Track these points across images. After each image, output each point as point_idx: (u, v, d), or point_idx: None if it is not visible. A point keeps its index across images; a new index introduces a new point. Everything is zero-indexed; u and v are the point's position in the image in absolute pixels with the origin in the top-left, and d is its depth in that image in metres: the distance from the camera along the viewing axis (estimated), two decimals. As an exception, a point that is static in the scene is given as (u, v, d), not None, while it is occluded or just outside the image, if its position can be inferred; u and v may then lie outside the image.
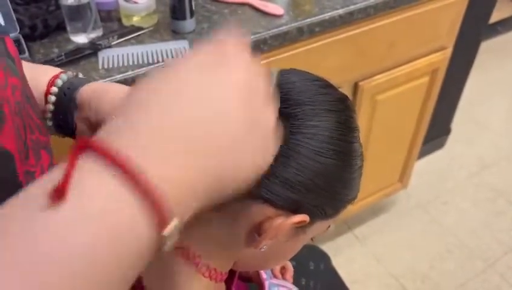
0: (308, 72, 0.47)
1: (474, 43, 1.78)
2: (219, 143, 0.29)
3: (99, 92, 0.53)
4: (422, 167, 2.01)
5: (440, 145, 2.14)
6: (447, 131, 2.11)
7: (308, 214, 0.43)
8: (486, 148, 2.18)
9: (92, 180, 0.24)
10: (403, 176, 1.71)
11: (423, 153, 2.04)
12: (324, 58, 1.10)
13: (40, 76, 0.55)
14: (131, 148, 0.25)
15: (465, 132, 2.22)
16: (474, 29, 1.69)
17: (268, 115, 0.34)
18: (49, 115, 0.55)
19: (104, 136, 0.27)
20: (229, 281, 0.54)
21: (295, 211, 0.42)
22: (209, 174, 0.28)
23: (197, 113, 0.28)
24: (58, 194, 0.23)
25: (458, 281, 1.67)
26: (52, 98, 0.54)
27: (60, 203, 0.23)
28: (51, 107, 0.54)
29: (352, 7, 1.05)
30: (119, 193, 0.24)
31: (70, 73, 0.56)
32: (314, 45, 1.06)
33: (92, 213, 0.23)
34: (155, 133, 0.27)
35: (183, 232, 0.29)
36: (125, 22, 0.97)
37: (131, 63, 0.87)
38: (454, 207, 1.92)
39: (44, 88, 0.54)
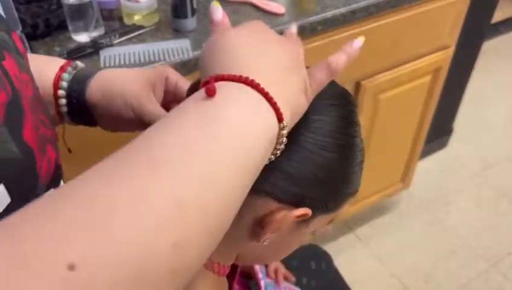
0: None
1: (476, 42, 1.77)
2: (290, 76, 0.38)
3: (108, 96, 0.53)
4: (425, 166, 2.00)
5: (442, 145, 2.14)
6: (449, 131, 2.11)
7: (310, 208, 0.43)
8: (489, 148, 2.17)
9: (233, 91, 0.33)
10: (405, 176, 1.70)
11: (425, 153, 2.03)
12: (326, 57, 1.10)
13: (44, 71, 0.54)
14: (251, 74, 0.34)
15: (467, 132, 2.21)
16: (477, 29, 1.69)
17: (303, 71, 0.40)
18: (67, 116, 0.56)
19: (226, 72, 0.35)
20: (230, 277, 0.54)
21: (297, 205, 0.43)
22: (293, 97, 0.37)
23: (277, 57, 0.38)
24: (211, 91, 0.32)
25: (461, 281, 1.66)
26: (63, 101, 0.55)
27: (213, 97, 0.32)
28: (64, 109, 0.55)
29: (354, 6, 1.05)
30: (255, 100, 0.33)
31: (70, 69, 0.56)
32: (316, 43, 1.05)
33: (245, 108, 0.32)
34: (258, 69, 0.35)
35: None
36: (127, 20, 0.97)
37: (132, 61, 0.87)
38: (456, 207, 1.92)
39: (51, 86, 0.54)
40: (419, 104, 1.48)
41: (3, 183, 0.34)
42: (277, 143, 0.36)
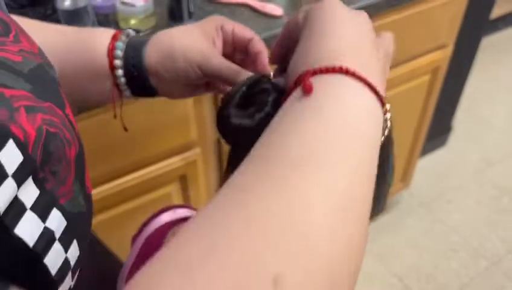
0: None
1: (475, 40, 1.77)
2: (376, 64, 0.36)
3: (168, 56, 0.50)
4: (424, 165, 2.00)
5: (442, 144, 2.13)
6: (448, 129, 2.10)
7: None
8: (489, 146, 2.16)
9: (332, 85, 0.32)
10: (405, 175, 1.70)
11: (425, 151, 2.03)
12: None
13: (94, 43, 0.51)
14: (350, 64, 0.33)
15: (467, 130, 2.20)
16: (475, 26, 1.68)
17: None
18: (123, 79, 0.51)
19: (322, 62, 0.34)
20: None
21: None
22: (382, 76, 0.36)
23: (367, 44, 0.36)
24: (308, 88, 0.31)
25: (462, 280, 1.66)
26: (120, 72, 0.51)
27: (310, 94, 0.31)
28: (122, 80, 0.51)
29: (352, 6, 1.03)
30: (357, 90, 0.32)
31: (123, 38, 0.51)
32: (314, 45, 1.04)
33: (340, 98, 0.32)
34: (357, 56, 0.34)
35: None
36: (123, 25, 0.96)
37: (129, 66, 0.86)
38: (457, 206, 1.91)
39: (105, 57, 0.50)
40: (418, 104, 1.47)
41: (76, 239, 0.33)
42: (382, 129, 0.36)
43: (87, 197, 0.36)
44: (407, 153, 1.62)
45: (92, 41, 0.50)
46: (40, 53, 0.38)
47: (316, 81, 0.32)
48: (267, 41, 0.95)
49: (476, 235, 1.80)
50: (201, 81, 0.50)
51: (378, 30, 1.28)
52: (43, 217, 0.29)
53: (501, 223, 1.84)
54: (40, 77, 0.34)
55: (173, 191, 1.07)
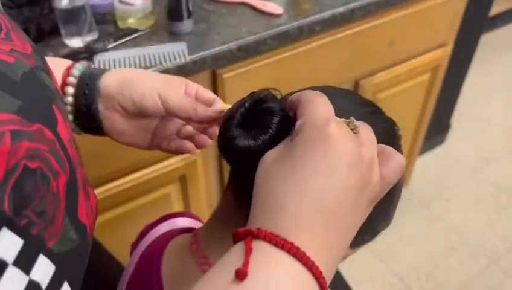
0: (352, 92, 0.45)
1: (474, 38, 1.76)
2: (349, 223, 0.32)
3: (127, 81, 0.49)
4: (423, 163, 1.99)
5: (440, 142, 2.13)
6: (447, 127, 2.10)
7: (352, 246, 0.41)
8: (488, 144, 2.16)
9: (267, 265, 0.29)
10: (405, 174, 1.69)
11: (423, 150, 2.02)
12: (325, 57, 1.08)
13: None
14: (291, 235, 0.30)
15: (465, 128, 2.20)
16: (474, 24, 1.67)
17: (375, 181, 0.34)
18: (69, 108, 0.50)
19: (260, 225, 0.31)
20: None
21: None
22: (342, 253, 0.33)
23: (331, 199, 0.31)
24: (241, 275, 0.28)
25: (462, 279, 1.66)
26: (70, 90, 0.49)
27: (243, 281, 0.28)
28: (70, 99, 0.50)
29: (352, 5, 1.03)
30: (291, 270, 0.29)
31: (85, 63, 0.52)
32: (315, 44, 1.04)
33: (274, 284, 0.28)
34: (304, 220, 0.30)
35: (207, 249, 0.46)
36: (121, 24, 0.95)
37: (127, 66, 0.85)
38: (456, 204, 1.91)
39: (59, 79, 0.49)
40: (418, 103, 1.46)
41: (67, 280, 0.31)
42: None
43: (80, 229, 0.34)
44: (406, 152, 1.62)
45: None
46: (33, 53, 0.36)
47: (260, 248, 0.29)
48: (267, 40, 0.94)
49: (475, 233, 1.80)
50: (156, 115, 0.49)
51: (378, 29, 1.26)
52: (27, 268, 0.27)
53: (500, 221, 1.84)
54: (32, 85, 0.32)
55: (173, 191, 1.06)
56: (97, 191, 0.95)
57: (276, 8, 0.99)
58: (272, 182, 0.32)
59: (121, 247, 0.84)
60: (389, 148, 0.35)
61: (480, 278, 1.66)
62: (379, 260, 1.71)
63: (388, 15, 1.13)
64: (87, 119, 0.50)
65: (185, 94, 0.48)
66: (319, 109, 0.32)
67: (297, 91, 0.43)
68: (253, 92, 0.39)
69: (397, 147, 0.43)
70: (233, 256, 0.30)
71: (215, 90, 0.98)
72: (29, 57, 0.34)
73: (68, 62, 0.51)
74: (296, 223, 0.30)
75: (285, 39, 0.97)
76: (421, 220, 1.85)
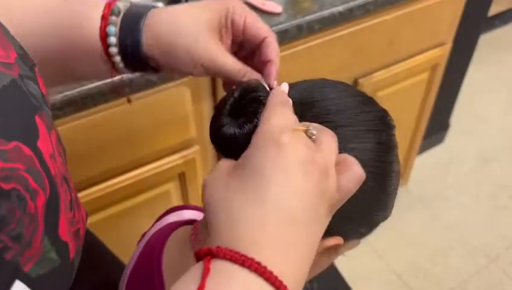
0: (346, 84, 0.44)
1: (473, 37, 1.77)
2: (313, 234, 0.32)
3: (166, 51, 0.43)
4: (422, 162, 2.00)
5: (439, 140, 2.13)
6: (446, 126, 2.10)
7: (342, 236, 0.42)
8: (487, 142, 2.17)
9: (227, 283, 0.28)
10: (403, 172, 1.70)
11: (422, 148, 2.03)
12: (324, 56, 1.09)
13: (84, 22, 0.44)
14: (250, 250, 0.29)
15: (464, 126, 2.21)
16: (473, 23, 1.68)
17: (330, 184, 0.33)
18: (114, 49, 0.44)
19: (220, 242, 0.30)
20: None
21: (329, 233, 0.40)
22: (308, 262, 0.32)
23: (290, 213, 0.30)
24: None
25: (460, 277, 1.66)
26: (118, 58, 0.45)
27: None
28: (120, 65, 0.45)
29: (351, 4, 1.03)
30: (253, 286, 0.28)
31: (114, 19, 0.44)
32: (314, 42, 1.04)
33: None
34: (263, 233, 0.29)
35: (204, 240, 0.41)
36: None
37: (127, 64, 0.86)
38: (455, 202, 1.91)
39: (99, 42, 0.44)
40: (417, 101, 1.47)
41: None
42: None
43: (61, 248, 0.33)
44: (405, 150, 1.62)
45: (80, 21, 0.44)
46: (18, 60, 0.35)
47: (220, 266, 0.29)
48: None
49: (474, 232, 1.80)
50: (204, 76, 0.47)
51: (377, 28, 1.27)
52: None
53: (499, 220, 1.85)
54: (12, 98, 0.31)
55: (172, 189, 1.07)
56: (97, 188, 0.95)
57: (275, 7, 1.00)
58: (227, 194, 0.31)
59: (120, 244, 0.84)
60: (350, 159, 0.34)
61: (479, 277, 1.66)
62: (378, 258, 1.71)
63: (387, 14, 1.13)
64: (134, 59, 0.45)
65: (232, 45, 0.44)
66: (276, 118, 0.32)
67: (294, 83, 0.43)
68: (244, 82, 0.40)
69: (390, 136, 0.43)
70: (192, 277, 0.29)
71: (214, 88, 0.99)
72: (11, 66, 0.33)
73: (97, 19, 0.44)
74: (255, 237, 0.29)
75: (285, 38, 0.97)
76: (419, 218, 1.85)
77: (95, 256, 0.66)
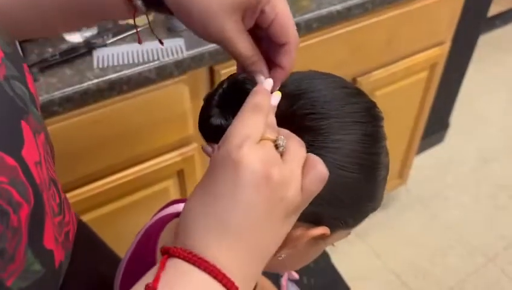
0: (335, 76, 0.45)
1: (472, 37, 1.77)
2: (264, 241, 0.34)
3: (183, 18, 0.40)
4: (422, 162, 2.00)
5: (439, 140, 2.13)
6: (445, 125, 2.11)
7: (329, 226, 0.42)
8: (486, 142, 2.17)
9: (179, 279, 0.31)
10: (402, 172, 1.70)
11: (422, 148, 2.03)
12: (322, 54, 1.09)
13: None
14: (203, 252, 0.32)
15: (464, 126, 2.21)
16: (473, 23, 1.68)
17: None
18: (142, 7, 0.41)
19: (181, 244, 0.33)
20: None
21: (316, 223, 0.41)
22: (262, 264, 0.34)
23: (247, 221, 0.32)
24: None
25: (459, 277, 1.66)
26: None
27: None
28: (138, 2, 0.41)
29: (350, 2, 1.04)
30: (205, 284, 0.31)
31: None
32: (312, 41, 1.05)
33: None
34: (213, 240, 0.32)
35: None
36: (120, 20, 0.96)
37: (126, 62, 0.86)
38: (454, 202, 1.92)
39: None
40: (415, 100, 1.47)
41: None
42: None
43: (46, 257, 0.33)
44: (404, 150, 1.62)
45: None
46: (5, 60, 0.34)
47: (176, 265, 0.31)
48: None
49: (473, 231, 1.81)
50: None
51: (375, 27, 1.27)
52: None
53: (498, 219, 1.85)
54: None
55: (171, 186, 1.07)
56: (96, 185, 0.96)
57: (273, 5, 1.00)
58: (189, 203, 0.34)
59: (118, 241, 0.85)
60: (313, 159, 0.35)
61: (478, 276, 1.66)
62: (376, 257, 1.72)
63: (386, 13, 1.14)
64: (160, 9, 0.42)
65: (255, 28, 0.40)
66: (242, 127, 0.33)
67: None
68: (233, 74, 0.40)
69: (377, 128, 0.43)
70: (151, 273, 0.32)
71: (213, 85, 0.99)
72: None
73: None
74: (207, 243, 0.32)
75: (283, 36, 0.98)
76: (418, 218, 1.86)
77: (92, 250, 0.66)
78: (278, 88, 0.40)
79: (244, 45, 0.38)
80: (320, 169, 0.34)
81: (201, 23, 0.38)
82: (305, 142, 0.38)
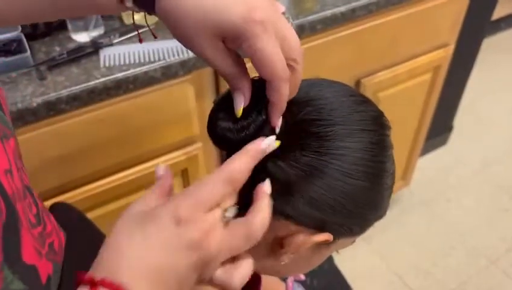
0: (343, 84, 0.45)
1: (477, 39, 1.77)
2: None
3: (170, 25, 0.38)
4: (425, 164, 2.00)
5: (442, 142, 2.13)
6: (449, 128, 2.11)
7: (332, 232, 0.42)
8: (489, 145, 2.17)
9: None
10: (406, 174, 1.70)
11: (425, 150, 2.03)
12: (326, 56, 1.10)
13: None
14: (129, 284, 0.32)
15: (467, 129, 2.21)
16: (477, 26, 1.68)
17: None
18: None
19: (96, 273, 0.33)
20: (253, 287, 0.54)
21: (319, 229, 0.42)
22: None
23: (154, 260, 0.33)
24: None
25: (461, 278, 1.67)
26: None
27: None
28: None
29: (354, 4, 1.04)
30: None
31: None
32: (316, 42, 1.05)
33: None
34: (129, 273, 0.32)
35: None
36: (126, 20, 0.97)
37: (132, 61, 0.87)
38: (457, 204, 1.92)
39: None
40: (419, 102, 1.48)
41: None
42: None
43: (28, 273, 0.33)
44: (407, 152, 1.63)
45: None
46: None
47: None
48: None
49: (475, 233, 1.81)
50: None
51: (379, 29, 1.27)
52: None
53: (500, 222, 1.85)
54: None
55: (175, 185, 1.08)
56: (101, 182, 0.97)
57: (278, 6, 1.01)
58: (121, 235, 0.35)
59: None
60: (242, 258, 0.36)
61: (479, 278, 1.67)
62: (378, 258, 1.72)
63: (390, 14, 1.14)
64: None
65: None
66: (203, 192, 0.34)
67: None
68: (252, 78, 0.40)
69: (383, 136, 0.44)
70: None
71: (218, 87, 1.00)
72: None
73: None
74: (130, 279, 0.32)
75: (287, 37, 0.98)
76: (421, 219, 1.86)
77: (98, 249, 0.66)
78: (278, 120, 0.40)
79: (223, 63, 0.38)
80: (241, 271, 0.36)
81: (183, 42, 0.38)
82: (311, 148, 0.39)
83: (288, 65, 0.37)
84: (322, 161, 0.39)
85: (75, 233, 0.67)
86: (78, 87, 0.82)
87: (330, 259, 1.00)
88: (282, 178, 0.39)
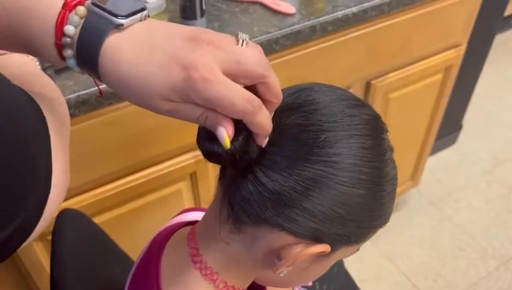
0: (337, 88, 0.43)
1: (488, 38, 1.75)
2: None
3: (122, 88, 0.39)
4: (434, 163, 1.99)
5: (451, 142, 2.11)
6: (458, 127, 2.08)
7: (330, 243, 0.41)
8: (499, 144, 2.14)
9: None
10: (415, 174, 1.69)
11: (434, 150, 2.01)
12: (337, 57, 1.08)
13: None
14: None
15: (477, 128, 2.19)
16: (488, 24, 1.66)
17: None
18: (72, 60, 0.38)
19: None
20: None
21: (317, 239, 0.41)
22: None
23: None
24: None
25: (471, 280, 1.65)
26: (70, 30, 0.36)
27: None
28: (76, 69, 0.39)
29: (365, 5, 1.03)
30: None
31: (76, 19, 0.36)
32: (327, 43, 1.04)
33: None
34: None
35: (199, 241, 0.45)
36: (135, 22, 0.96)
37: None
38: (466, 204, 1.90)
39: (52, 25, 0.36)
40: (429, 103, 1.46)
41: None
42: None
43: None
44: (417, 153, 1.61)
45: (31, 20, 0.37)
46: None
47: None
48: (280, 39, 0.94)
49: (485, 234, 1.79)
50: None
51: (391, 29, 1.25)
52: None
53: (510, 222, 1.83)
54: None
55: (184, 188, 1.08)
56: (110, 186, 0.96)
57: (289, 8, 0.99)
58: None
59: (132, 242, 0.85)
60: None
61: (490, 280, 1.65)
62: (387, 259, 1.71)
63: (401, 15, 1.13)
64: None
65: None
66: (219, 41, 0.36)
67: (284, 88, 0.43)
68: None
69: (380, 140, 0.42)
70: None
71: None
72: None
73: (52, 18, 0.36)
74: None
75: (298, 39, 0.97)
76: (430, 220, 1.84)
77: (108, 256, 0.66)
78: (264, 140, 0.39)
79: (185, 115, 0.37)
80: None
81: (138, 105, 0.39)
82: (301, 156, 0.38)
83: (259, 83, 0.35)
84: (314, 170, 0.38)
85: (84, 239, 0.66)
86: (86, 91, 0.81)
87: (340, 263, 0.99)
88: (274, 189, 0.38)
